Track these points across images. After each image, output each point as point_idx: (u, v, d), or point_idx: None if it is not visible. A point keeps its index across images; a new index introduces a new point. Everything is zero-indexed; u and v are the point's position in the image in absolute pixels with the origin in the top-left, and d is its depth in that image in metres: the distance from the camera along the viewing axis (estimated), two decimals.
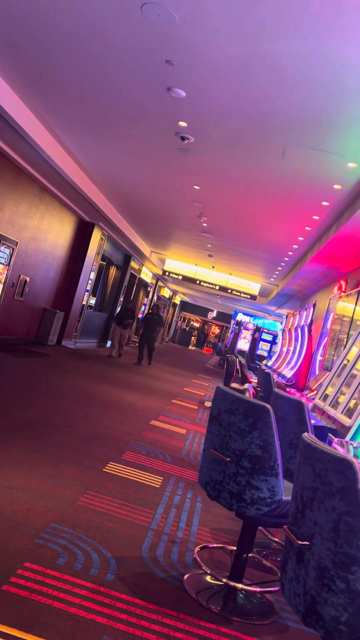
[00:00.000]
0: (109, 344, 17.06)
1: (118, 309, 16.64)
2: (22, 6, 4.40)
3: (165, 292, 29.13)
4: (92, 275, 13.89)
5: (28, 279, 10.57)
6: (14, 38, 5.05)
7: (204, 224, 11.04)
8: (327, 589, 1.62)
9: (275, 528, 3.55)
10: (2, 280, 9.35)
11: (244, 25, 3.79)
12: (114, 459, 4.52)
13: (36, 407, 5.75)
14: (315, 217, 7.88)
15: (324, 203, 7.05)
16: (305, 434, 1.88)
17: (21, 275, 10.23)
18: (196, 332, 41.43)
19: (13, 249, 9.55)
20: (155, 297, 25.69)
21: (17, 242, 9.70)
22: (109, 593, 2.45)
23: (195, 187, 8.39)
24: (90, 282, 13.83)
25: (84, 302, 13.69)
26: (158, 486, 4.15)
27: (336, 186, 6.28)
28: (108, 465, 4.32)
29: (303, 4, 3.37)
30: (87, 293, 13.75)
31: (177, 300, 36.72)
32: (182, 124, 5.91)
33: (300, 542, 1.75)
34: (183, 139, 6.29)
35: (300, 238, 9.54)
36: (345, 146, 5.21)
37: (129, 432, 5.70)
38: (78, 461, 4.21)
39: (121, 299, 18.02)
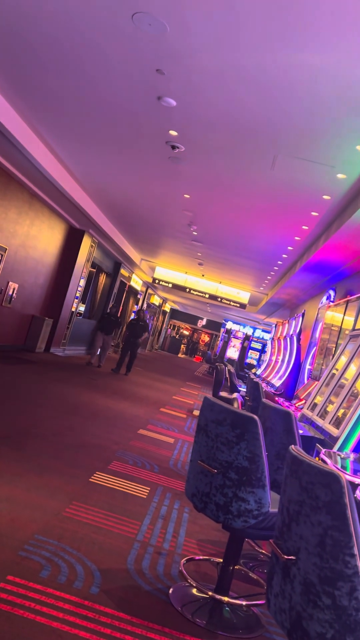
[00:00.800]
0: (98, 351, 16.99)
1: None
2: (11, 15, 4.39)
3: (155, 300, 29.11)
4: (82, 282, 13.84)
5: (17, 285, 10.51)
6: (4, 46, 5.03)
7: (194, 233, 11.06)
8: (312, 605, 1.60)
9: (262, 540, 3.52)
10: None
11: (234, 36, 3.81)
12: (100, 469, 4.47)
13: (22, 415, 5.69)
14: (304, 227, 7.91)
15: (314, 213, 7.08)
16: (292, 446, 1.87)
17: (9, 282, 10.17)
18: (186, 340, 41.41)
19: (2, 255, 9.50)
20: (144, 305, 25.67)
21: (6, 249, 9.65)
22: (93, 607, 2.41)
23: (186, 195, 8.40)
24: (79, 289, 13.77)
25: (73, 309, 13.63)
26: (145, 497, 4.11)
27: (325, 197, 6.32)
28: (94, 475, 4.27)
29: (292, 15, 3.39)
30: (76, 300, 13.69)
31: (167, 308, 36.71)
32: (173, 132, 5.92)
33: (286, 557, 1.73)
34: (173, 147, 6.30)
35: (289, 247, 9.58)
36: (335, 157, 5.24)
37: (117, 441, 5.65)
38: (64, 471, 4.16)
39: (110, 305, 17.95)
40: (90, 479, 4.14)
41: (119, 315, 14.04)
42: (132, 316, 24.14)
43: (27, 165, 8.23)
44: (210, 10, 3.59)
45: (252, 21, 3.57)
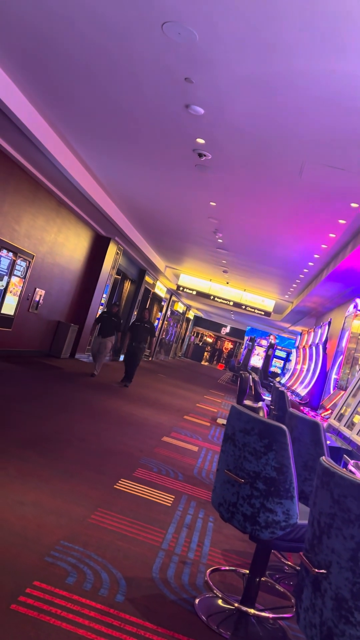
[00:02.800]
0: (121, 357, 17.07)
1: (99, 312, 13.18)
2: (44, 22, 4.47)
3: (179, 307, 29.15)
4: (107, 289, 13.93)
5: (43, 292, 10.63)
6: (34, 53, 5.12)
7: (219, 240, 11.05)
8: (344, 621, 1.56)
9: (290, 552, 3.47)
10: (18, 293, 9.41)
11: (263, 44, 3.80)
12: (125, 476, 4.47)
13: (47, 421, 5.73)
14: (331, 235, 7.84)
15: (341, 221, 7.01)
16: (323, 457, 1.84)
17: (37, 289, 10.29)
18: (209, 347, 41.26)
19: (29, 262, 9.62)
20: (168, 312, 25.70)
21: (34, 256, 9.77)
22: (119, 615, 2.40)
23: (212, 203, 8.40)
24: (104, 296, 13.87)
25: (98, 316, 13.72)
26: (169, 505, 4.09)
27: (353, 204, 6.25)
28: (119, 482, 4.27)
29: (322, 22, 3.37)
30: (101, 307, 13.78)
31: (191, 315, 36.72)
32: (200, 140, 5.93)
33: (316, 570, 1.69)
34: (200, 155, 6.32)
35: (316, 255, 9.50)
36: None
37: (141, 448, 5.65)
38: (89, 477, 4.17)
39: (135, 313, 17.95)
40: (115, 486, 4.14)
41: (119, 313, 11.60)
42: (156, 324, 24.06)
43: (55, 174, 8.34)
44: (239, 19, 3.59)
45: (281, 29, 3.56)
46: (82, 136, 7.18)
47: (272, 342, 24.68)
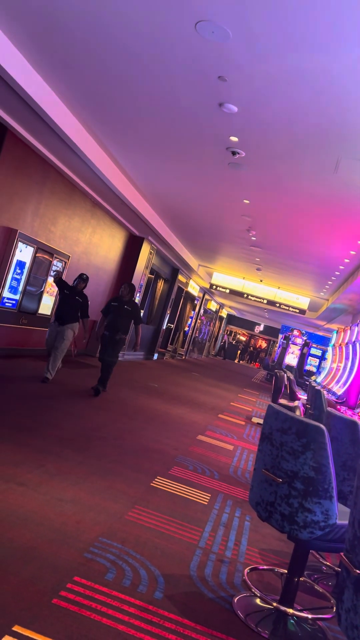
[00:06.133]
0: (155, 356, 17.17)
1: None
2: (78, 22, 4.53)
3: (212, 306, 29.11)
4: (141, 289, 14.02)
5: None
6: (69, 54, 5.20)
7: (253, 238, 10.99)
8: None
9: (328, 552, 3.43)
10: (54, 294, 9.56)
11: (296, 41, 3.77)
12: (161, 474, 4.50)
13: (84, 419, 5.82)
14: None
15: None
16: None
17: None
18: (241, 345, 41.02)
19: (65, 262, 9.77)
20: (202, 311, 25.69)
21: (69, 256, 9.92)
22: (157, 612, 2.42)
23: (245, 201, 8.37)
24: (138, 295, 13.96)
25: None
26: (206, 503, 4.10)
27: None
28: (156, 479, 4.31)
29: (355, 18, 3.32)
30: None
31: (224, 313, 36.61)
32: (234, 138, 5.91)
33: (358, 571, 1.67)
34: (234, 153, 6.29)
35: (352, 252, 9.35)
36: None
37: (176, 447, 5.68)
38: (126, 475, 4.22)
39: (168, 312, 17.97)
40: (152, 484, 4.17)
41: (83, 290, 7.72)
42: (189, 322, 24.00)
43: (90, 175, 8.44)
44: (274, 16, 3.57)
45: (316, 24, 3.52)
46: (117, 137, 7.25)
47: (295, 337, 24.35)
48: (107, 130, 7.04)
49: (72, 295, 7.58)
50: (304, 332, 25.42)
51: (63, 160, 8.12)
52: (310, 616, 2.75)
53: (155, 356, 17.18)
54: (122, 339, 7.58)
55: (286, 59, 4.06)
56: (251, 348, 41.50)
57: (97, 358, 7.69)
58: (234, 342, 39.64)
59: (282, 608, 2.66)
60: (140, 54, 4.68)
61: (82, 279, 7.71)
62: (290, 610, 2.66)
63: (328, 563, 3.56)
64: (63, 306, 7.55)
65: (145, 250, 13.42)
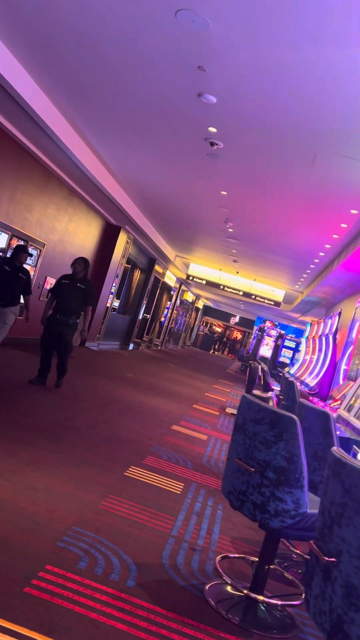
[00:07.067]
0: (131, 347, 17.13)
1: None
2: (57, 4, 4.45)
3: (189, 297, 29.14)
4: (117, 278, 13.96)
5: (54, 280, 10.67)
6: (45, 40, 5.11)
7: (230, 230, 11.02)
8: (354, 609, 1.58)
9: (298, 540, 3.50)
10: None
11: (277, 33, 3.77)
12: (135, 463, 4.51)
13: (58, 409, 5.79)
14: (343, 225, 7.79)
15: (353, 211, 6.97)
16: (335, 448, 1.85)
17: (47, 277, 10.33)
18: (216, 336, 41.24)
19: (40, 250, 9.66)
20: (178, 302, 25.70)
21: (45, 244, 9.81)
22: (130, 599, 2.44)
23: (223, 192, 8.37)
24: (114, 284, 13.90)
25: (108, 305, 13.77)
26: (179, 492, 4.13)
27: None
28: (129, 469, 4.32)
29: (335, 14, 3.33)
30: (111, 295, 13.82)
31: (200, 304, 36.70)
32: (212, 129, 5.90)
33: (327, 559, 1.71)
34: (212, 144, 6.29)
35: (327, 246, 9.45)
36: None
37: (151, 436, 5.69)
38: (100, 464, 4.22)
39: (145, 302, 17.94)
40: (125, 473, 4.18)
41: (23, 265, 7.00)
42: (165, 312, 24.01)
43: (67, 162, 8.34)
44: (253, 8, 3.56)
45: (295, 18, 3.53)
46: (94, 124, 7.17)
47: (269, 328, 24.64)
48: (84, 117, 6.96)
49: (13, 271, 6.74)
50: (276, 323, 25.65)
51: (39, 147, 8.00)
52: (279, 603, 2.80)
53: (131, 346, 17.15)
54: (76, 324, 6.70)
55: (264, 52, 4.06)
56: (225, 339, 41.79)
57: (39, 346, 6.69)
58: (209, 333, 39.82)
59: (253, 595, 2.71)
60: (120, 40, 4.63)
61: (23, 250, 6.95)
62: (261, 597, 2.71)
63: (298, 551, 3.63)
64: (3, 287, 6.67)
65: (122, 240, 13.35)
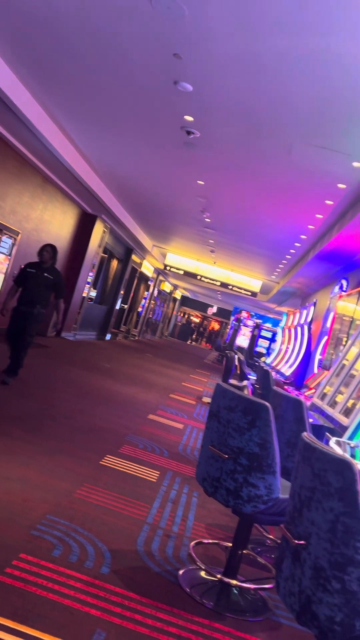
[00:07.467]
0: (108, 337, 17.07)
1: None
2: None
3: (166, 287, 29.11)
4: (94, 268, 13.86)
5: None
6: (20, 26, 5.01)
7: (207, 220, 11.02)
8: (322, 589, 1.62)
9: (271, 525, 3.56)
10: (3, 271, 9.33)
11: (252, 22, 3.76)
12: (111, 452, 4.52)
13: (34, 399, 5.75)
14: (318, 216, 7.86)
15: (328, 202, 7.03)
16: (305, 433, 1.88)
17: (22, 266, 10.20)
18: (194, 326, 41.40)
19: (15, 239, 9.53)
20: (155, 292, 25.67)
21: (19, 233, 9.68)
22: (104, 586, 2.45)
23: (200, 182, 8.36)
24: (91, 274, 13.80)
25: (85, 295, 13.67)
26: (155, 480, 4.15)
27: (340, 185, 6.27)
28: (105, 458, 4.32)
29: (309, 3, 3.34)
30: (87, 285, 13.73)
31: (178, 295, 36.70)
32: (188, 118, 5.88)
33: (296, 541, 1.75)
34: (189, 133, 6.27)
35: (302, 236, 9.53)
36: (352, 145, 5.19)
37: (127, 426, 5.70)
38: (75, 453, 4.21)
39: (122, 292, 17.87)
40: (101, 462, 4.19)
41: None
42: (143, 303, 23.98)
43: (41, 149, 8.22)
44: None
45: (270, 7, 3.52)
46: (69, 111, 7.08)
47: (245, 319, 24.90)
48: (59, 104, 6.86)
49: None
50: (253, 313, 25.83)
51: (13, 133, 7.87)
52: (252, 586, 2.85)
53: (108, 336, 17.09)
54: (42, 314, 6.20)
55: (240, 40, 4.05)
56: (201, 329, 42.02)
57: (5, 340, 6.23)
58: (186, 323, 39.91)
59: (226, 580, 2.75)
60: (93, 26, 4.57)
61: None
62: (234, 582, 2.75)
63: (271, 537, 3.69)
64: None
65: (98, 229, 13.24)
